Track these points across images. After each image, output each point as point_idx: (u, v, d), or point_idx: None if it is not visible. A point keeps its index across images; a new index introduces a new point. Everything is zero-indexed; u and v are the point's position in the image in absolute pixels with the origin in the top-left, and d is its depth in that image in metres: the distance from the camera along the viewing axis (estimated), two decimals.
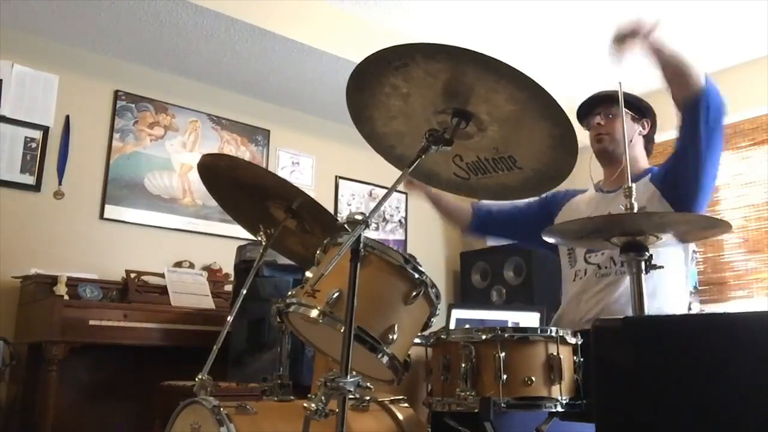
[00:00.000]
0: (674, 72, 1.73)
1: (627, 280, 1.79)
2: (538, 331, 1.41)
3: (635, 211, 1.49)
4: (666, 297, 1.84)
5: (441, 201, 2.24)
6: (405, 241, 4.97)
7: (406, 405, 1.60)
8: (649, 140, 2.12)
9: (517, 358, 1.38)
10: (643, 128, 2.10)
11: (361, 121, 1.45)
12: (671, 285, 1.87)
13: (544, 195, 2.23)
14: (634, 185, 1.50)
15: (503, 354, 1.36)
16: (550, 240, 1.90)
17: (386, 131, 1.46)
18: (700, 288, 4.25)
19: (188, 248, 3.86)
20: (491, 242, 2.35)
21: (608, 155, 2.08)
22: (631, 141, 2.01)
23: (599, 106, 2.09)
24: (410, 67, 1.24)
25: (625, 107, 1.99)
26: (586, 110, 2.12)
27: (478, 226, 2.30)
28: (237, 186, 1.71)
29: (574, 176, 1.46)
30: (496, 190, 1.50)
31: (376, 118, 1.43)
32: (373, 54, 1.25)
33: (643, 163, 2.09)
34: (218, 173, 1.74)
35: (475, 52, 1.16)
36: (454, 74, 1.24)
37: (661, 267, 1.54)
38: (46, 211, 3.45)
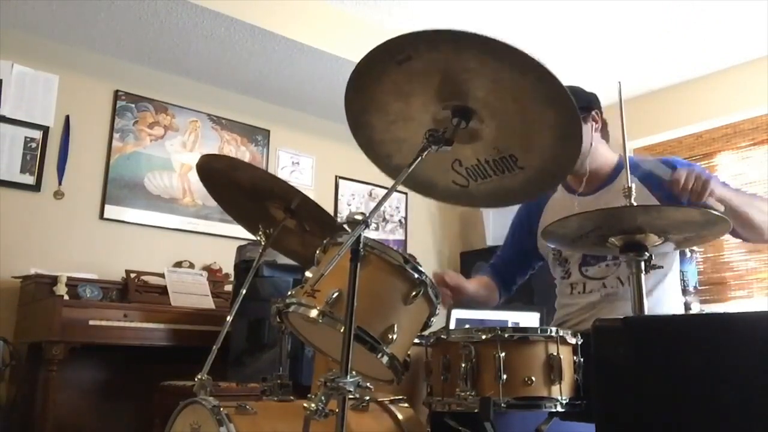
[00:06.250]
0: (742, 224, 1.71)
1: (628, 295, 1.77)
2: (538, 331, 1.41)
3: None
4: (660, 297, 1.83)
5: (469, 292, 2.05)
6: (405, 241, 4.97)
7: (406, 405, 1.60)
8: (604, 128, 1.98)
9: (517, 358, 1.37)
10: (596, 122, 1.94)
11: (359, 127, 1.42)
12: (667, 284, 1.86)
13: (518, 219, 2.17)
14: (633, 185, 1.50)
15: (503, 354, 1.36)
16: (551, 244, 1.88)
17: (384, 138, 1.43)
18: (700, 288, 4.24)
19: (188, 248, 3.86)
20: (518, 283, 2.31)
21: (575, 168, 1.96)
22: (591, 144, 1.91)
23: None
24: (413, 60, 1.23)
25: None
26: None
27: (506, 289, 2.23)
28: (235, 186, 1.70)
29: None
30: (496, 194, 1.47)
31: (374, 123, 1.41)
32: (377, 46, 1.22)
33: (612, 158, 1.97)
34: (216, 174, 1.73)
35: (477, 34, 1.14)
36: (455, 64, 1.22)
37: (660, 267, 1.54)
38: (46, 211, 3.45)
